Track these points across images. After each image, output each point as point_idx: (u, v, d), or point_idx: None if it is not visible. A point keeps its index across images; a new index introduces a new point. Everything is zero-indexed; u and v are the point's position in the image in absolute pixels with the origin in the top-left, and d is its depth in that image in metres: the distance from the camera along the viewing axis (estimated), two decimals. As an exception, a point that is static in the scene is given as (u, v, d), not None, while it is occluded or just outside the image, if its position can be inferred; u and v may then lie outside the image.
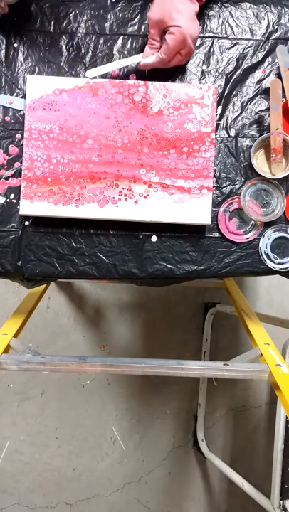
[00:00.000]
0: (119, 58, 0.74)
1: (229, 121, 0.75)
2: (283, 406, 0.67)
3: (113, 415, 1.58)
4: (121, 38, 0.74)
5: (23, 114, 0.73)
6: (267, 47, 0.75)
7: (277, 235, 0.75)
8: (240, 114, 0.75)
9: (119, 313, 1.59)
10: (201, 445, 1.53)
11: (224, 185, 0.75)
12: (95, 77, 0.72)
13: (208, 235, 0.75)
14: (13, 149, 0.74)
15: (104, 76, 0.74)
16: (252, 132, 0.75)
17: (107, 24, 0.75)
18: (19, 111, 0.74)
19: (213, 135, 0.72)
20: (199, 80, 0.75)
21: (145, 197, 0.72)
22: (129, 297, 1.59)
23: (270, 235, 0.75)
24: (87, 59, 0.74)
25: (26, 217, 0.75)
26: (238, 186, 0.75)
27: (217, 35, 0.75)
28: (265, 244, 0.75)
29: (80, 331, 1.58)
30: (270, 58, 0.75)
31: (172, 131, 0.72)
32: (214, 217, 0.75)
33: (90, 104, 0.71)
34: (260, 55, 0.75)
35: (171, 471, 1.60)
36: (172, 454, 1.59)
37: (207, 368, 0.72)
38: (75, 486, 1.58)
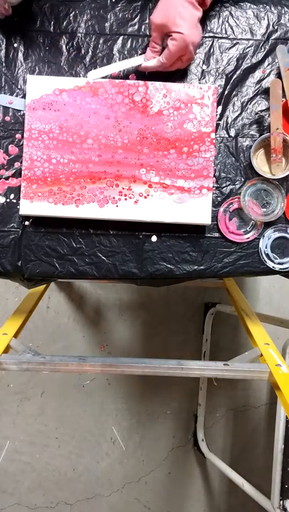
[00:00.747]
0: (119, 58, 0.74)
1: (229, 121, 0.75)
2: (283, 406, 0.67)
3: (113, 415, 1.58)
4: (121, 38, 0.74)
5: (23, 114, 0.73)
6: (267, 47, 0.75)
7: (277, 235, 0.75)
8: (240, 114, 0.75)
9: (119, 313, 1.59)
10: (201, 445, 1.53)
11: (224, 185, 0.75)
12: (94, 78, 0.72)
13: (208, 235, 0.75)
14: (13, 149, 0.74)
15: (104, 76, 0.74)
16: (252, 132, 0.75)
17: (107, 24, 0.75)
18: (19, 111, 0.74)
19: (213, 135, 0.72)
20: (199, 80, 0.75)
21: (145, 197, 0.72)
22: (129, 297, 1.59)
23: (270, 235, 0.75)
24: (87, 59, 0.74)
25: (26, 217, 0.75)
26: (238, 186, 0.75)
27: (217, 35, 0.75)
28: (265, 244, 0.75)
29: (80, 331, 1.58)
30: (270, 58, 0.75)
31: (172, 131, 0.72)
32: (214, 217, 0.75)
33: (90, 104, 0.71)
34: (260, 55, 0.75)
35: (171, 471, 1.60)
36: (172, 454, 1.59)
37: (207, 367, 0.72)
38: (75, 486, 1.58)
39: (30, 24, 0.74)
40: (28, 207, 0.72)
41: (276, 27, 0.75)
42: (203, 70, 0.75)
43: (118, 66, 0.72)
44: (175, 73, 0.74)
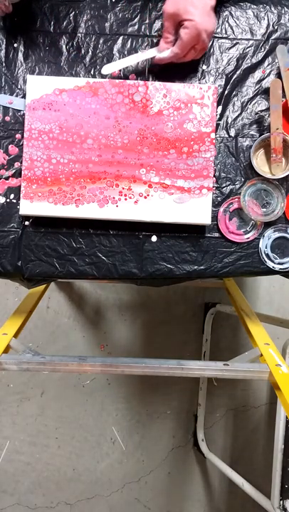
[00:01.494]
0: (119, 58, 0.74)
1: (229, 121, 0.75)
2: (283, 406, 0.67)
3: (113, 415, 1.58)
4: (121, 38, 0.74)
5: (23, 114, 0.73)
6: (267, 47, 0.75)
7: (277, 235, 0.75)
8: (240, 114, 0.75)
9: (119, 313, 1.59)
10: (201, 445, 1.53)
11: (224, 185, 0.75)
12: (106, 75, 0.72)
13: (208, 235, 0.75)
14: (13, 149, 0.74)
15: (104, 76, 0.74)
16: (252, 132, 0.75)
17: (107, 24, 0.75)
18: (19, 111, 0.74)
19: (213, 135, 0.72)
20: (199, 80, 0.75)
21: (145, 197, 0.72)
22: (129, 297, 1.59)
23: (270, 235, 0.75)
24: (87, 59, 0.74)
25: (26, 217, 0.75)
26: (238, 186, 0.75)
27: (217, 35, 0.75)
28: (265, 244, 0.75)
29: (80, 331, 1.58)
30: (270, 58, 0.75)
31: (172, 131, 0.72)
32: (214, 217, 0.75)
33: (90, 104, 0.71)
34: (260, 55, 0.75)
35: (171, 471, 1.60)
36: (172, 454, 1.59)
37: (207, 367, 0.72)
38: (75, 486, 1.58)
39: (30, 24, 0.74)
40: (28, 207, 0.72)
41: (276, 27, 0.75)
42: (203, 70, 0.75)
43: (133, 59, 0.72)
44: (175, 73, 0.74)
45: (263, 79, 0.75)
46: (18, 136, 0.74)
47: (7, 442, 1.56)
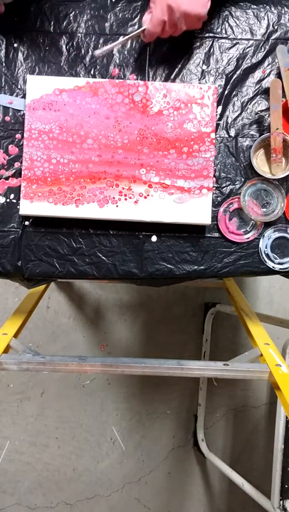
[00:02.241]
0: (119, 58, 0.74)
1: (229, 121, 0.75)
2: (283, 406, 0.67)
3: (113, 415, 1.58)
4: (121, 38, 0.74)
5: (23, 114, 0.73)
6: (267, 47, 0.75)
7: (277, 235, 0.75)
8: (240, 114, 0.75)
9: (119, 313, 1.59)
10: (201, 445, 1.53)
11: (224, 185, 0.75)
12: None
13: (208, 235, 0.75)
14: (13, 149, 0.74)
15: (104, 76, 0.74)
16: (252, 132, 0.75)
17: (107, 24, 0.75)
18: (19, 111, 0.74)
19: (213, 135, 0.72)
20: (199, 80, 0.75)
21: (145, 197, 0.72)
22: (129, 297, 1.59)
23: (270, 235, 0.75)
24: (87, 59, 0.74)
25: (26, 217, 0.75)
26: (238, 186, 0.75)
27: (217, 35, 0.75)
28: (265, 244, 0.75)
29: (80, 331, 1.58)
30: (270, 58, 0.75)
31: (172, 131, 0.72)
32: (214, 217, 0.75)
33: (90, 104, 0.71)
34: (260, 55, 0.75)
35: (171, 471, 1.60)
36: (172, 454, 1.59)
37: (207, 367, 0.72)
38: (75, 486, 1.58)
39: (30, 24, 0.74)
40: (28, 207, 0.72)
41: (276, 27, 0.75)
42: (203, 70, 0.75)
43: (122, 40, 0.71)
44: (175, 73, 0.74)
45: (263, 79, 0.75)
46: (18, 136, 0.74)
47: (7, 442, 1.56)
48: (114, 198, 0.72)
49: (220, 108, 0.75)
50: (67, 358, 0.73)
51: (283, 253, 0.76)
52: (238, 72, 0.75)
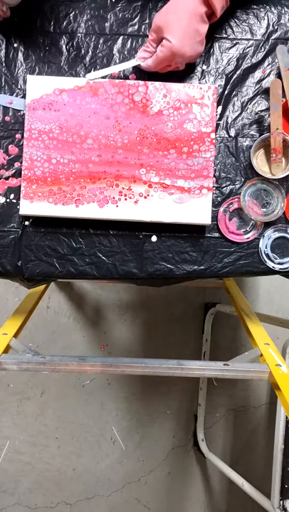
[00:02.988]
0: (119, 58, 0.74)
1: (229, 121, 0.75)
2: (283, 406, 0.67)
3: (113, 415, 1.58)
4: (121, 38, 0.74)
5: (23, 114, 0.73)
6: (267, 47, 0.75)
7: (277, 235, 0.75)
8: (240, 114, 0.75)
9: (119, 313, 1.59)
10: (201, 445, 1.53)
11: (224, 185, 0.75)
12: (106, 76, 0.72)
13: (208, 235, 0.75)
14: (13, 149, 0.74)
15: (104, 76, 0.74)
16: (252, 132, 0.75)
17: (107, 24, 0.75)
18: (19, 111, 0.74)
19: (213, 135, 0.72)
20: (199, 80, 0.75)
21: (145, 197, 0.72)
22: (129, 297, 1.59)
23: (270, 235, 0.75)
24: (87, 59, 0.74)
25: (26, 217, 0.75)
26: (238, 186, 0.75)
27: (217, 35, 0.75)
28: (265, 244, 0.75)
29: (80, 331, 1.58)
30: (270, 58, 0.75)
31: (172, 131, 0.72)
32: (214, 217, 0.75)
33: (90, 104, 0.71)
34: (260, 55, 0.75)
35: (171, 471, 1.60)
36: (172, 454, 1.59)
37: (207, 367, 0.72)
38: (75, 486, 1.58)
39: (30, 24, 0.74)
40: (28, 207, 0.72)
41: (276, 27, 0.75)
42: (203, 70, 0.75)
43: (115, 68, 0.72)
44: (175, 73, 0.74)
45: (263, 79, 0.75)
46: (18, 136, 0.74)
47: (7, 442, 1.56)
48: (114, 198, 0.72)
49: (220, 108, 0.75)
50: (67, 358, 0.73)
51: (283, 253, 0.76)
52: (238, 72, 0.75)
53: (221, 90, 0.75)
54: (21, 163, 0.73)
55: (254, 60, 0.75)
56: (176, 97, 0.71)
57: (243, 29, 0.75)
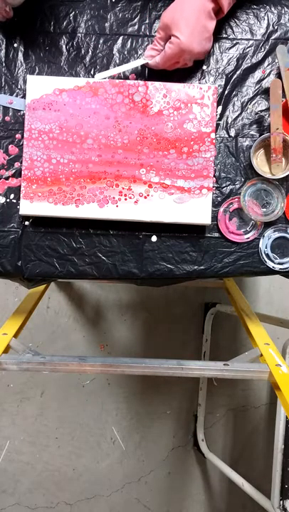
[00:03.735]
0: (119, 58, 0.74)
1: (229, 121, 0.75)
2: (283, 406, 0.67)
3: (113, 415, 1.58)
4: (121, 38, 0.74)
5: (23, 114, 0.73)
6: (267, 47, 0.75)
7: (277, 235, 0.75)
8: (240, 114, 0.75)
9: (119, 313, 1.59)
10: (201, 445, 1.53)
11: (224, 185, 0.75)
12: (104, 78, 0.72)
13: (208, 235, 0.75)
14: (13, 149, 0.74)
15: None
16: (252, 132, 0.75)
17: (107, 24, 0.75)
18: (19, 111, 0.74)
19: (213, 135, 0.72)
20: (199, 80, 0.75)
21: (145, 197, 0.72)
22: (129, 297, 1.59)
23: (270, 235, 0.75)
24: (87, 59, 0.74)
25: (26, 217, 0.75)
26: (238, 186, 0.75)
27: (217, 35, 0.74)
28: (265, 244, 0.75)
29: (80, 331, 1.58)
30: (270, 58, 0.75)
31: (172, 131, 0.72)
32: (214, 217, 0.75)
33: (90, 104, 0.71)
34: (260, 55, 0.75)
35: (171, 471, 1.60)
36: (172, 454, 1.59)
37: (207, 367, 0.72)
38: (75, 486, 1.58)
39: (30, 24, 0.74)
40: (28, 207, 0.72)
41: (276, 27, 0.75)
42: (203, 70, 0.75)
43: (123, 68, 0.72)
44: (175, 73, 0.74)
45: (263, 79, 0.75)
46: (18, 136, 0.74)
47: (7, 442, 1.56)
48: (114, 198, 0.72)
49: (220, 108, 0.75)
50: (67, 358, 0.73)
51: (283, 253, 0.76)
52: (238, 72, 0.75)
53: (221, 90, 0.75)
54: (21, 163, 0.73)
55: (254, 60, 0.75)
56: (176, 97, 0.71)
57: (243, 29, 0.75)
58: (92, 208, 0.72)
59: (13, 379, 1.56)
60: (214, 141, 0.72)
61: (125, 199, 0.72)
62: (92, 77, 0.74)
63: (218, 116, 0.75)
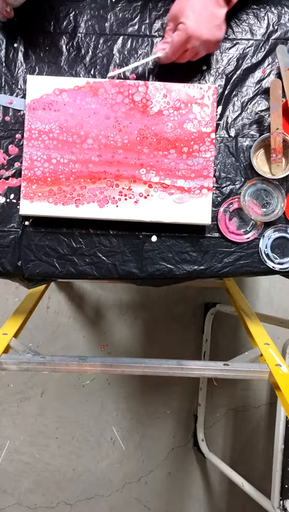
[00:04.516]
0: (119, 58, 0.74)
1: (229, 121, 0.75)
2: (283, 406, 0.67)
3: (113, 415, 1.58)
4: (121, 38, 0.74)
5: (23, 114, 0.73)
6: (267, 47, 0.75)
7: (277, 235, 0.75)
8: (240, 114, 0.75)
9: (119, 313, 1.59)
10: (201, 445, 1.53)
11: (224, 185, 0.75)
12: (106, 75, 0.73)
13: (208, 235, 0.75)
14: (13, 149, 0.74)
15: (104, 76, 0.74)
16: (252, 132, 0.75)
17: (107, 24, 0.75)
18: (19, 111, 0.74)
19: (213, 135, 0.72)
20: (199, 80, 0.75)
21: (145, 197, 0.72)
22: (129, 297, 1.59)
23: (270, 235, 0.75)
24: (87, 59, 0.74)
25: (26, 217, 0.75)
26: (238, 186, 0.75)
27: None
28: (265, 244, 0.75)
29: (80, 331, 1.58)
30: (270, 58, 0.75)
31: (172, 131, 0.72)
32: (214, 217, 0.75)
33: (90, 104, 0.71)
34: (260, 55, 0.75)
35: (171, 471, 1.60)
36: (172, 454, 1.59)
37: (207, 367, 0.72)
38: (75, 486, 1.58)
39: (30, 24, 0.74)
40: (28, 207, 0.72)
41: (276, 27, 0.75)
42: (203, 70, 0.75)
43: (135, 65, 0.72)
44: (175, 73, 0.74)
45: (263, 79, 0.75)
46: (18, 136, 0.74)
47: (7, 442, 1.56)
48: (114, 198, 0.72)
49: (220, 108, 0.75)
50: (67, 358, 0.73)
51: (283, 253, 0.76)
52: (238, 72, 0.75)
53: (221, 90, 0.75)
54: (21, 163, 0.73)
55: (254, 60, 0.75)
56: (176, 97, 0.71)
57: (243, 29, 0.75)
58: (92, 208, 0.72)
59: (13, 379, 1.56)
60: (214, 141, 0.72)
61: (125, 199, 0.72)
62: (93, 77, 0.74)
63: (218, 116, 0.75)
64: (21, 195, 0.72)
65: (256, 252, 0.76)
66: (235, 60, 0.75)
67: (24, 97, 0.74)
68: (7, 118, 0.74)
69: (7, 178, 0.74)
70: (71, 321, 1.58)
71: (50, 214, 0.72)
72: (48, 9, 0.75)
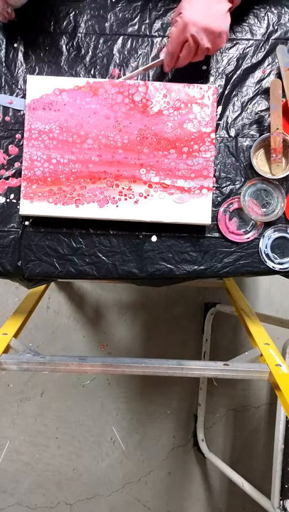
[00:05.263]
0: (119, 58, 0.74)
1: (229, 121, 0.75)
2: (283, 406, 0.67)
3: (113, 415, 1.58)
4: (121, 38, 0.74)
5: (23, 114, 0.73)
6: (267, 47, 0.75)
7: (277, 235, 0.75)
8: (240, 114, 0.75)
9: (119, 313, 1.59)
10: (201, 445, 1.53)
11: (224, 185, 0.75)
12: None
13: (208, 235, 0.75)
14: (13, 149, 0.74)
15: (104, 76, 0.74)
16: (252, 132, 0.75)
17: (107, 24, 0.75)
18: (19, 111, 0.74)
19: (213, 135, 0.72)
20: (199, 80, 0.75)
21: (145, 197, 0.72)
22: (129, 297, 1.59)
23: (270, 235, 0.75)
24: (87, 59, 0.74)
25: (26, 217, 0.75)
26: (238, 186, 0.75)
27: (217, 35, 0.74)
28: (265, 244, 0.75)
29: (80, 331, 1.58)
30: (270, 58, 0.75)
31: (172, 131, 0.72)
32: (214, 217, 0.75)
33: (90, 104, 0.71)
34: (260, 55, 0.75)
35: (171, 471, 1.60)
36: (172, 454, 1.59)
37: (207, 367, 0.72)
38: (75, 486, 1.58)
39: (30, 24, 0.74)
40: (28, 207, 0.72)
41: (276, 27, 0.75)
42: (203, 70, 0.75)
43: (142, 70, 0.72)
44: (175, 73, 0.74)
45: (263, 79, 0.75)
46: (18, 136, 0.74)
47: (7, 442, 1.56)
48: (114, 198, 0.72)
49: (220, 108, 0.75)
50: (67, 358, 0.73)
51: (283, 253, 0.76)
52: (238, 72, 0.75)
53: (221, 90, 0.75)
54: (21, 163, 0.73)
55: (254, 60, 0.75)
56: (176, 97, 0.71)
57: (243, 29, 0.75)
58: (92, 208, 0.72)
59: (13, 379, 1.56)
60: (214, 141, 0.72)
61: (125, 199, 0.72)
62: (93, 77, 0.74)
63: (218, 116, 0.75)
64: (21, 195, 0.72)
65: (256, 252, 0.76)
66: (235, 60, 0.75)
67: (24, 97, 0.74)
68: (7, 118, 0.74)
69: (7, 178, 0.74)
70: (71, 321, 1.58)
71: (50, 214, 0.72)
72: (48, 9, 0.75)
